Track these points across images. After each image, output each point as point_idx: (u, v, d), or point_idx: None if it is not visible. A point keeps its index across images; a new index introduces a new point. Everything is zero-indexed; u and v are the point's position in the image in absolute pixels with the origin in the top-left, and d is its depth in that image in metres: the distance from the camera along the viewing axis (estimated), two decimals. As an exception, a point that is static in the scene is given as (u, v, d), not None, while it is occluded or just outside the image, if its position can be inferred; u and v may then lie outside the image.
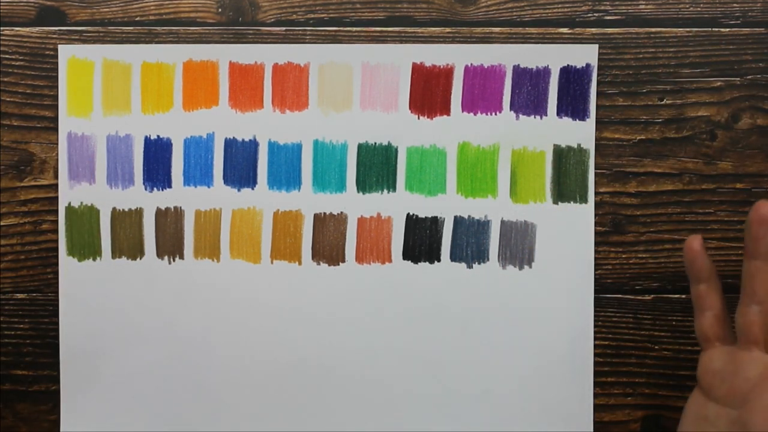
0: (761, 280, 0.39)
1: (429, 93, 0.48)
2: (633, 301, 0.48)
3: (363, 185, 0.48)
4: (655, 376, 0.48)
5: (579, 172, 0.48)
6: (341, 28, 0.48)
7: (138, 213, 0.48)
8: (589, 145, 0.48)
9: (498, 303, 0.48)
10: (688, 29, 0.47)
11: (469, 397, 0.48)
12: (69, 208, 0.48)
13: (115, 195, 0.48)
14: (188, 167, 0.48)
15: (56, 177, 0.48)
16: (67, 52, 0.48)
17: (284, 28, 0.48)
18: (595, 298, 0.48)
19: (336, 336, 0.48)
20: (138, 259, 0.48)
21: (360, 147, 0.48)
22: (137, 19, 0.48)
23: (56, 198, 0.48)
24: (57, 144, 0.48)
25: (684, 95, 0.48)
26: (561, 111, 0.48)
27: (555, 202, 0.48)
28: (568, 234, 0.48)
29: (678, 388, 0.48)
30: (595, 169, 0.48)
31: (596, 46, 0.47)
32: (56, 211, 0.48)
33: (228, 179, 0.48)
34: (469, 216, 0.48)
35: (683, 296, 0.48)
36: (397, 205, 0.48)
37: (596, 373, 0.48)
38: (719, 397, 0.39)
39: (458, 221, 0.48)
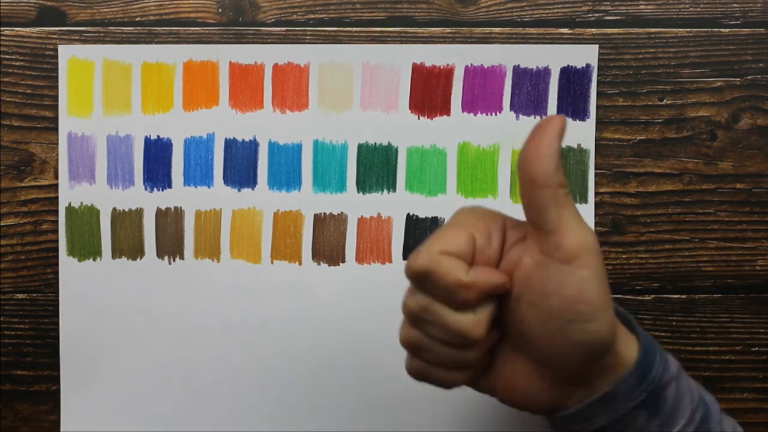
0: None
1: (429, 93, 0.48)
2: (633, 301, 0.48)
3: (363, 185, 0.48)
4: (655, 376, 0.48)
5: (579, 172, 0.48)
6: (341, 28, 0.48)
7: (138, 213, 0.48)
8: (589, 145, 0.48)
9: (498, 303, 0.48)
10: (688, 29, 0.47)
11: (469, 397, 0.48)
12: (69, 208, 0.48)
13: (115, 195, 0.48)
14: (188, 167, 0.48)
15: (56, 177, 0.48)
16: (67, 52, 0.48)
17: (284, 28, 0.48)
18: (595, 298, 0.48)
19: (336, 336, 0.48)
20: (138, 259, 0.48)
21: (360, 147, 0.48)
22: (137, 19, 0.48)
23: (56, 198, 0.48)
24: (57, 144, 0.48)
25: (684, 95, 0.48)
26: (561, 111, 0.48)
27: (555, 202, 0.48)
28: (568, 234, 0.48)
29: (678, 388, 0.48)
30: (595, 169, 0.48)
31: (596, 46, 0.47)
32: (56, 211, 0.48)
33: (228, 179, 0.48)
34: (469, 216, 0.48)
35: (683, 296, 0.48)
36: (397, 205, 0.48)
37: (596, 373, 0.48)
38: None
39: (458, 221, 0.48)
